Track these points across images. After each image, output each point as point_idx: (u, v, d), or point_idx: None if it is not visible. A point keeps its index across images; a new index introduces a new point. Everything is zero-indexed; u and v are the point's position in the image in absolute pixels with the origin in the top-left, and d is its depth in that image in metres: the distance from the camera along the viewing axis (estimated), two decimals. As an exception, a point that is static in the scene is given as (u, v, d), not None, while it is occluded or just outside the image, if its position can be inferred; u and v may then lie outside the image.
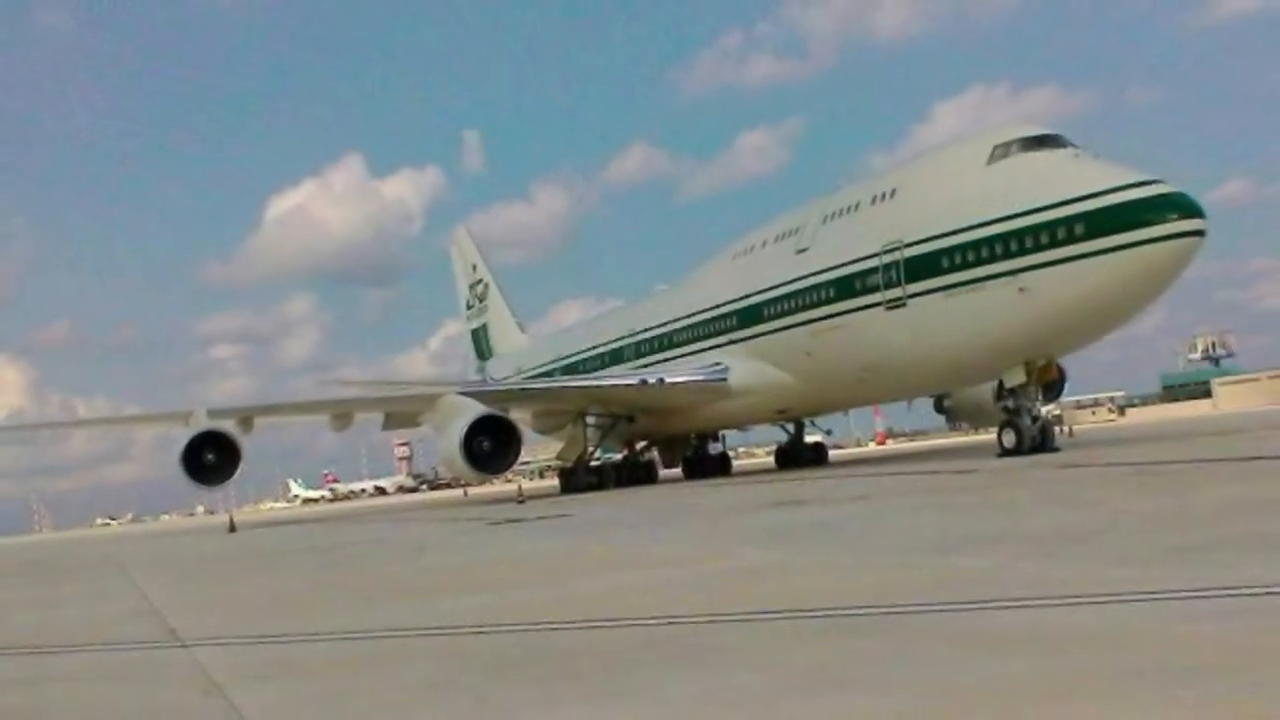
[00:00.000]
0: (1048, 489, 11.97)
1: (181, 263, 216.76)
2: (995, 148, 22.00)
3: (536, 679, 4.03)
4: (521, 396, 33.82)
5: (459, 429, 27.36)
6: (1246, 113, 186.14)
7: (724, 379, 28.99)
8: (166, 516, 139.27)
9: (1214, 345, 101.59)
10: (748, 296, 28.48)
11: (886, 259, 23.31)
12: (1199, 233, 19.49)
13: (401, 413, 33.07)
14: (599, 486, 31.31)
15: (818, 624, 4.59)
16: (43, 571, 18.45)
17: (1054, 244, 19.97)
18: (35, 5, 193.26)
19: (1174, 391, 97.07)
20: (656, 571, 7.40)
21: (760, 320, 27.83)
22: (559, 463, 37.52)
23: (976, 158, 22.32)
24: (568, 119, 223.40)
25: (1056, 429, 24.99)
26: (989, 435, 29.69)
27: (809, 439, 35.75)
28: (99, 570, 16.40)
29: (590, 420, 32.56)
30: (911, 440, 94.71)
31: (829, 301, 25.11)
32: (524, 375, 41.19)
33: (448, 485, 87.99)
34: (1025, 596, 4.61)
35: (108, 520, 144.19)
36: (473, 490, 52.68)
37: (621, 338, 35.10)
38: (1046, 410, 24.06)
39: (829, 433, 37.60)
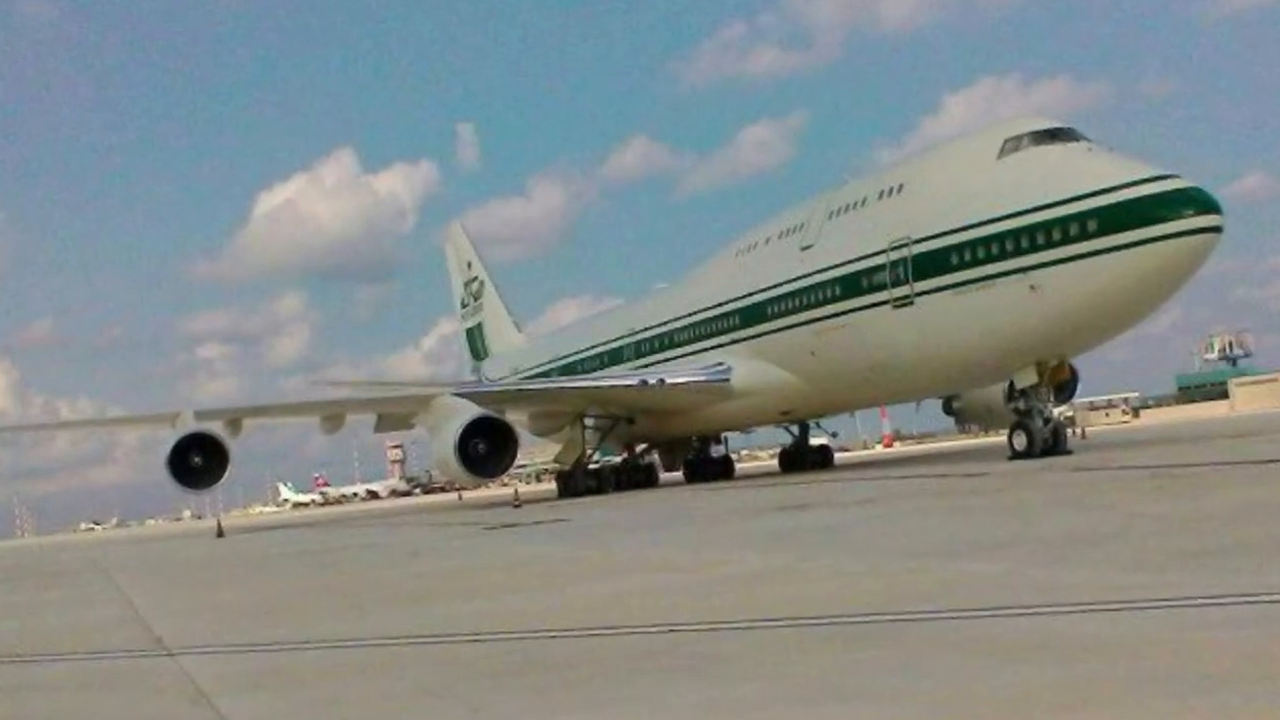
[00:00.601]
0: (1060, 492, 11.98)
1: (167, 260, 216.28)
2: (1006, 141, 22.00)
3: (533, 688, 4.03)
4: (518, 397, 33.82)
5: (453, 431, 27.35)
6: (1265, 105, 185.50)
7: (726, 379, 28.99)
8: (152, 521, 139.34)
9: (1231, 345, 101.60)
10: (750, 295, 28.48)
11: (894, 256, 23.31)
12: (1215, 229, 19.48)
13: (394, 414, 33.06)
14: (597, 490, 31.29)
15: (822, 632, 4.59)
16: (25, 577, 18.45)
17: (1066, 240, 19.95)
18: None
19: (1190, 392, 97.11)
20: (656, 577, 7.41)
21: (764, 319, 27.82)
22: (556, 466, 37.53)
23: (986, 152, 22.32)
24: (565, 112, 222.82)
25: (1069, 431, 24.99)
26: (999, 437, 29.75)
27: (814, 441, 35.67)
28: (83, 576, 16.41)
29: (589, 422, 32.55)
30: (919, 443, 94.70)
31: (834, 300, 25.10)
32: (520, 376, 41.20)
33: (442, 489, 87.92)
34: (1036, 603, 4.62)
35: (92, 525, 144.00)
36: (468, 494, 52.67)
37: (621, 337, 35.10)
38: (1058, 412, 24.11)
39: (834, 435, 37.47)
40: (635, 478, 34.06)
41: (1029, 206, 20.65)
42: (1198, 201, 19.36)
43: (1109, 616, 4.24)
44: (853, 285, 24.53)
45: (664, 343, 32.44)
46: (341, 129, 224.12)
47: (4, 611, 10.96)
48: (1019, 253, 20.64)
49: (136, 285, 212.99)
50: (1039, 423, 21.10)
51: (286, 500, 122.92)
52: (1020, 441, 21.19)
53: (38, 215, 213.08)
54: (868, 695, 3.42)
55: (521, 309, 51.94)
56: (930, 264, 22.42)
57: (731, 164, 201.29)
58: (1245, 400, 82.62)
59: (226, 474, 28.88)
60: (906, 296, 22.97)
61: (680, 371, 30.45)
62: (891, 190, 24.53)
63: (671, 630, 4.96)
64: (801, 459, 34.31)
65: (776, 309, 27.29)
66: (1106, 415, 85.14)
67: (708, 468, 35.95)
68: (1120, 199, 19.52)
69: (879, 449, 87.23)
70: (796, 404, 28.93)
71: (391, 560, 12.61)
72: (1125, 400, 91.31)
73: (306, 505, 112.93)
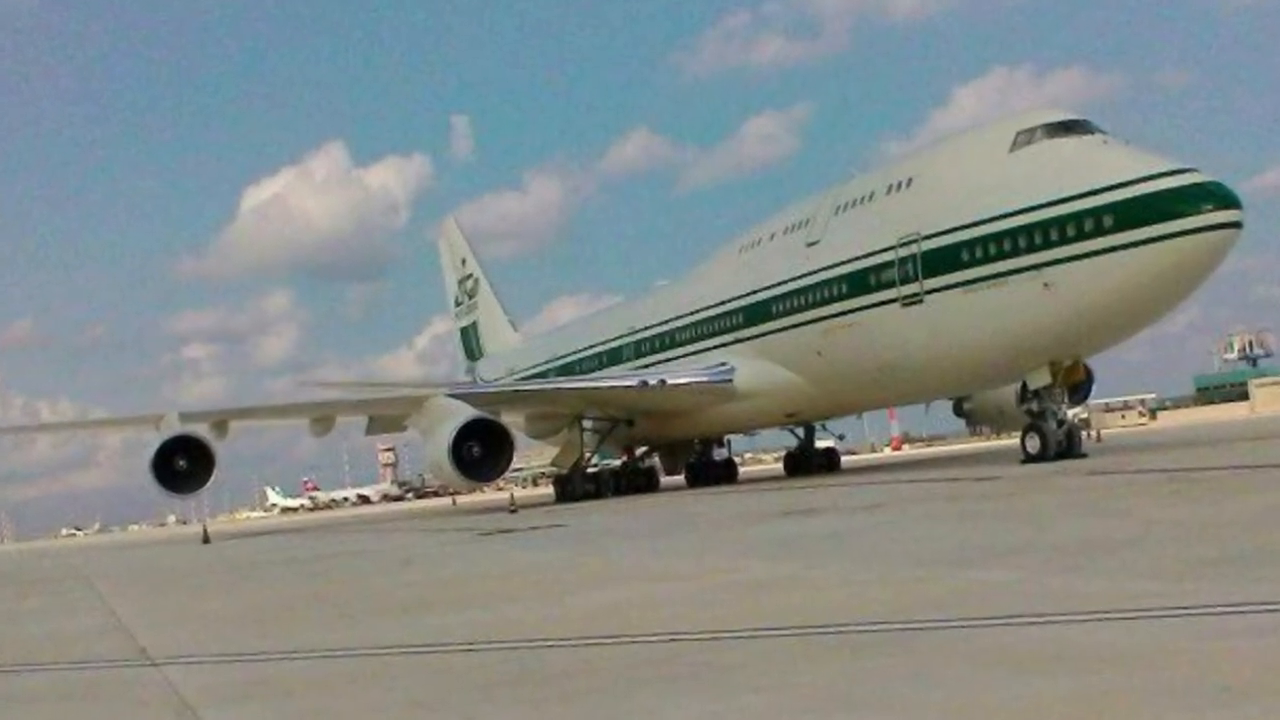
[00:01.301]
0: (1074, 497, 11.99)
1: (152, 257, 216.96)
2: (1019, 134, 22.00)
3: (529, 700, 4.03)
4: (514, 398, 33.81)
5: (447, 433, 27.36)
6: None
7: (729, 380, 29.00)
8: (136, 527, 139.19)
9: (1251, 344, 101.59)
10: (755, 292, 28.49)
11: (902, 252, 23.31)
12: (1235, 224, 19.48)
13: (386, 416, 33.09)
14: (596, 495, 31.32)
15: (829, 641, 4.60)
16: (4, 584, 18.47)
17: (1081, 236, 19.96)
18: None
19: (1208, 393, 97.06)
20: (657, 585, 7.41)
21: (768, 318, 27.83)
22: (554, 469, 37.52)
23: (999, 144, 22.32)
24: (563, 104, 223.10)
25: (1084, 433, 24.98)
26: (1011, 440, 29.78)
27: (820, 444, 35.71)
28: (64, 583, 16.42)
29: (587, 424, 32.56)
30: (929, 445, 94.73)
31: (841, 298, 25.11)
32: (516, 376, 41.19)
33: (435, 493, 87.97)
34: (1050, 612, 4.62)
35: (73, 530, 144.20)
36: (462, 499, 52.66)
37: (620, 336, 35.11)
38: (1073, 413, 24.09)
39: (841, 437, 37.49)
40: (635, 482, 34.08)
41: (1042, 201, 20.66)
42: (1217, 196, 19.37)
43: (1125, 625, 4.24)
44: (860, 283, 24.54)
45: (665, 342, 32.44)
46: (331, 122, 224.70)
47: (-18, 620, 10.95)
48: (1032, 249, 20.64)
49: (120, 283, 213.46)
50: (1053, 425, 21.10)
51: (274, 505, 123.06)
52: (1033, 444, 21.19)
53: (17, 211, 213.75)
54: (876, 706, 3.42)
55: (518, 307, 52.06)
56: (940, 261, 22.42)
57: (735, 157, 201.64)
58: (1266, 401, 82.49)
59: (212, 478, 28.88)
60: (916, 294, 22.97)
61: (682, 372, 30.46)
62: (900, 185, 24.54)
63: (673, 640, 4.96)
64: (807, 462, 34.35)
65: (781, 307, 27.31)
66: (1123, 417, 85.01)
67: (710, 471, 35.96)
68: (1137, 194, 19.53)
69: (887, 452, 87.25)
70: (802, 405, 28.94)
71: (383, 568, 12.61)
72: (1142, 402, 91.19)
73: (295, 510, 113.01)
